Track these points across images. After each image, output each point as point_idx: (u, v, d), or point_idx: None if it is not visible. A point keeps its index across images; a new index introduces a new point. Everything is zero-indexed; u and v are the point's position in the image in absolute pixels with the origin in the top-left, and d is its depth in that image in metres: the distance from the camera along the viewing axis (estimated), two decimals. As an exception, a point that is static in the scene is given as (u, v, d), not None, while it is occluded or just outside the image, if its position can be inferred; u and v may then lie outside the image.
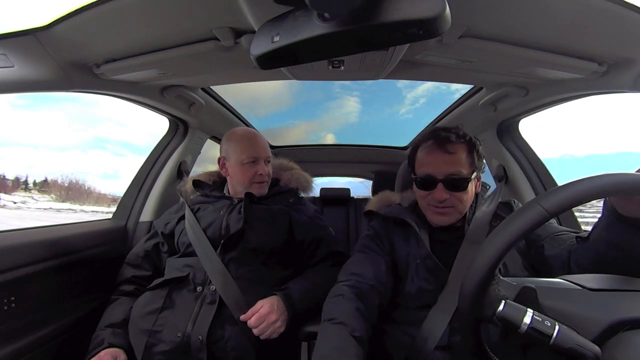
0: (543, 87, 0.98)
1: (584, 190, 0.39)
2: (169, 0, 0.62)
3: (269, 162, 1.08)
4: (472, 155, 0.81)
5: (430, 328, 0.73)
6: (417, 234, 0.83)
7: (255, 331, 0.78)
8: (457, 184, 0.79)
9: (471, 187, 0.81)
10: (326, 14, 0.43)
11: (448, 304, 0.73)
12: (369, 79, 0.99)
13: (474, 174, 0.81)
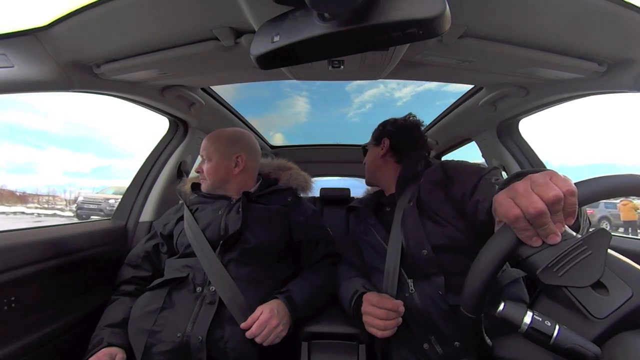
0: (543, 87, 0.98)
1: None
2: (169, 0, 0.62)
3: None
4: (374, 134, 1.10)
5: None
6: (360, 209, 1.10)
7: (257, 339, 0.77)
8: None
9: (370, 153, 1.09)
10: (326, 14, 0.43)
11: (392, 260, 0.84)
12: (369, 79, 0.99)
13: (370, 145, 1.10)
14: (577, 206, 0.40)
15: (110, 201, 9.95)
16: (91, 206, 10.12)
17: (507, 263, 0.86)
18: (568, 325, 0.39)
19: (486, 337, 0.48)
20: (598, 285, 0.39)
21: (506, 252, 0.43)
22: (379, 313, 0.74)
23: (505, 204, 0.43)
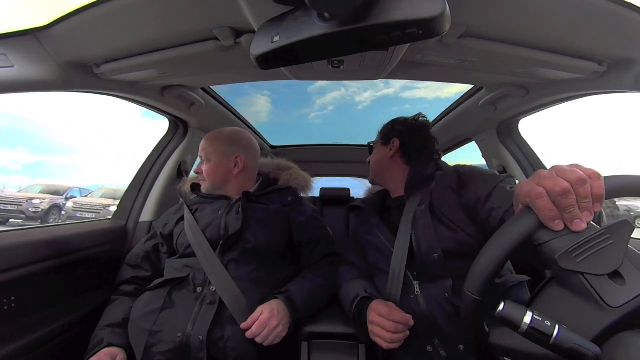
0: (543, 87, 0.98)
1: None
2: (169, 0, 0.62)
3: None
4: (382, 132, 1.09)
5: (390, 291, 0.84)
6: (363, 209, 1.09)
7: (257, 339, 0.77)
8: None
9: (377, 152, 1.08)
10: (326, 14, 0.43)
11: (398, 262, 0.83)
12: (369, 79, 0.99)
13: (377, 143, 1.10)
14: (604, 191, 0.40)
15: (35, 201, 8.02)
16: (9, 207, 7.82)
17: (511, 269, 0.86)
18: (575, 316, 0.39)
19: (485, 324, 0.48)
20: (615, 275, 0.38)
21: (525, 234, 0.42)
22: (388, 325, 0.72)
23: (527, 186, 0.43)
